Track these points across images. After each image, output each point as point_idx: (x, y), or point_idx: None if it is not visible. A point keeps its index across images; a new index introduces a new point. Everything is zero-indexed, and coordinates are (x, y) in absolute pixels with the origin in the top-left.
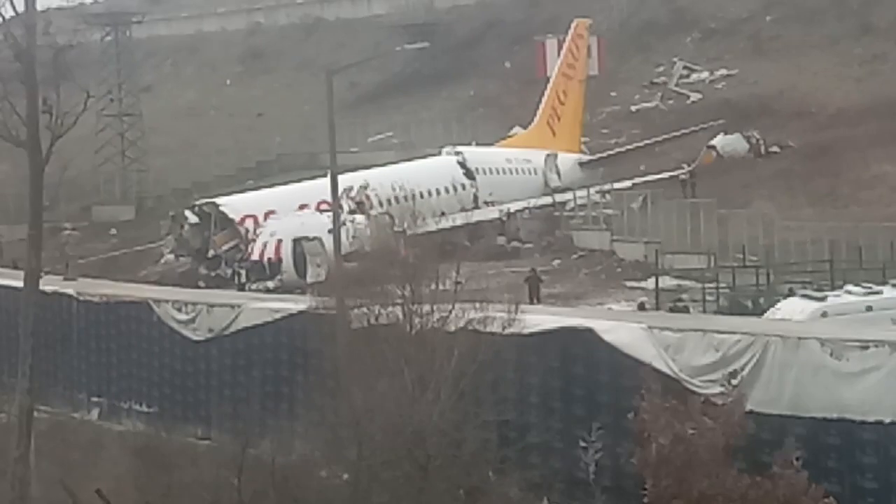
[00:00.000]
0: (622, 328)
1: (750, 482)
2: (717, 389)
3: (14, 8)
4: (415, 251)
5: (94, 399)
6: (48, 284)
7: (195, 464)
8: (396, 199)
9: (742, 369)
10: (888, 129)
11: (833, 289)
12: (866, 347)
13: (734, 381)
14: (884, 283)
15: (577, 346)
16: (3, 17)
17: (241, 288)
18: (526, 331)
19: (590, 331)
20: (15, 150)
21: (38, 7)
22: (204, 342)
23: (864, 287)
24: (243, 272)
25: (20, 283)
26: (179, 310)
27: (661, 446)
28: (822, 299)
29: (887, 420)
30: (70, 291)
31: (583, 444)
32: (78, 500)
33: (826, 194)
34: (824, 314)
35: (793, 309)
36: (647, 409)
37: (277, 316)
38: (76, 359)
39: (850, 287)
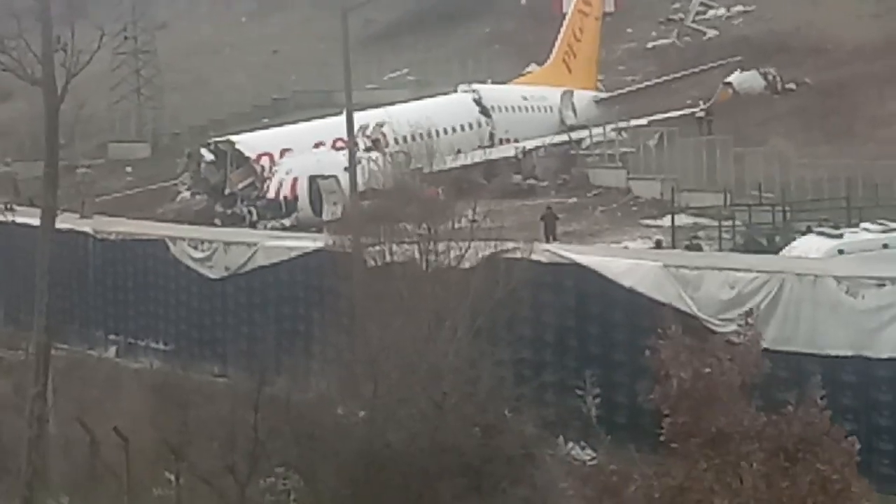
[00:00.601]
0: (639, 266)
1: (766, 420)
2: (734, 327)
3: None
4: (436, 188)
5: (112, 337)
6: (64, 222)
7: (212, 401)
8: (412, 136)
9: (758, 307)
10: None
11: (850, 226)
12: (882, 285)
13: (750, 320)
14: None
15: (592, 285)
16: None
17: (252, 226)
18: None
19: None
20: (30, 89)
21: None
22: (220, 280)
23: (880, 224)
24: (253, 210)
25: (37, 221)
26: (196, 248)
27: (682, 381)
28: (839, 237)
29: None
30: (86, 229)
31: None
32: (95, 438)
33: (843, 132)
34: (841, 252)
35: (809, 247)
36: (667, 345)
37: (293, 254)
38: (93, 296)
39: (866, 224)
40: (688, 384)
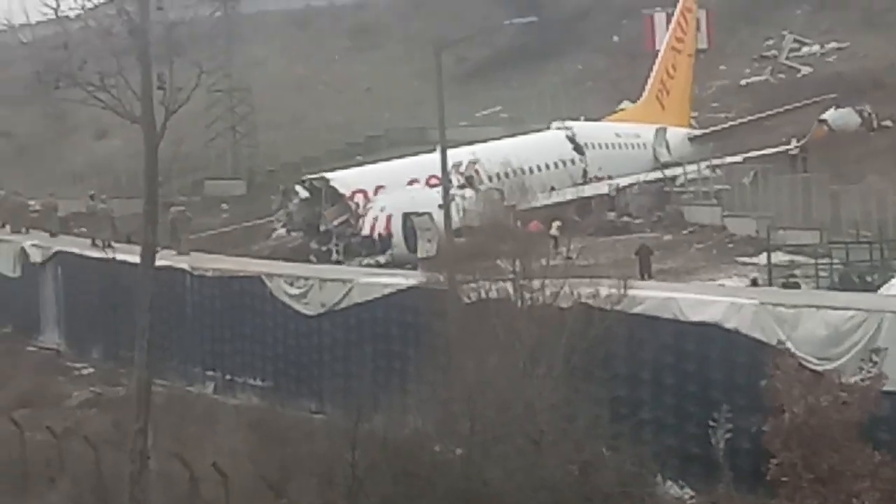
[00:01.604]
0: (735, 304)
1: (881, 460)
2: (832, 366)
3: None
4: (539, 223)
5: (209, 373)
6: (162, 259)
7: (309, 438)
8: (506, 173)
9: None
10: None
11: None
12: None
13: (875, 359)
14: None
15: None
16: None
17: (338, 263)
18: (636, 308)
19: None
20: (127, 126)
21: None
22: (316, 317)
23: None
24: (340, 248)
25: (134, 258)
26: (291, 284)
27: (794, 415)
28: None
29: None
30: (184, 266)
31: (712, 423)
32: (195, 474)
33: None
34: None
35: None
36: (781, 378)
37: (388, 291)
38: (191, 333)
39: None
40: (800, 419)
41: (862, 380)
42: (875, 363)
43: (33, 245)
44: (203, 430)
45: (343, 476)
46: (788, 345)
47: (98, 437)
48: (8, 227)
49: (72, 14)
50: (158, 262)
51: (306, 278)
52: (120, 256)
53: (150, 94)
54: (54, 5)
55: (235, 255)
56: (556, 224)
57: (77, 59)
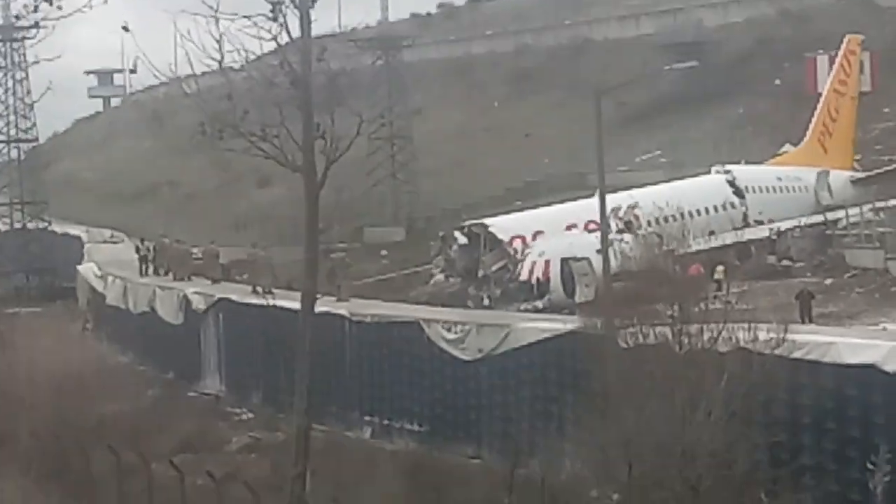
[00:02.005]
0: None
1: None
2: None
3: (290, 35)
4: (699, 266)
5: (367, 418)
6: (322, 305)
7: (466, 483)
8: (665, 218)
9: None
10: None
11: None
12: None
13: None
14: None
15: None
16: (280, 44)
17: (489, 308)
18: (795, 353)
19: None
20: (289, 174)
21: (313, 34)
22: (473, 362)
23: None
24: (493, 292)
25: (294, 305)
26: (449, 329)
27: None
28: None
29: None
30: (343, 312)
31: (870, 466)
32: None
33: None
34: None
35: None
36: None
37: (546, 336)
38: (349, 378)
39: None
40: None
41: None
42: None
43: (195, 292)
44: (360, 476)
45: None
46: None
47: (257, 483)
48: (171, 275)
49: (235, 65)
50: (318, 309)
51: (464, 324)
52: (280, 303)
53: (311, 144)
54: (218, 57)
55: (394, 301)
56: (720, 268)
57: (240, 109)
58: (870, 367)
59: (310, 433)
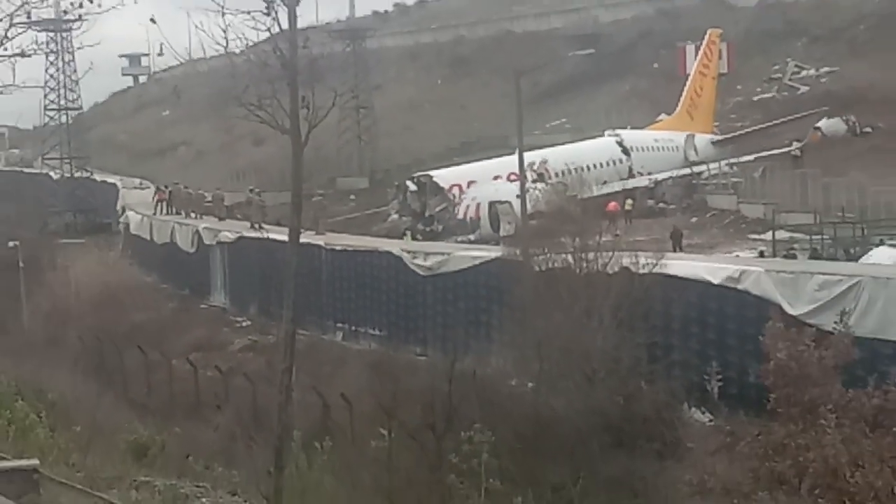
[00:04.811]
0: (746, 270)
1: (851, 396)
2: (822, 320)
3: (280, 27)
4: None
5: (339, 325)
6: (304, 238)
7: (415, 375)
8: (569, 171)
9: (851, 308)
10: None
11: None
12: None
13: (844, 318)
14: None
15: (709, 285)
16: (272, 34)
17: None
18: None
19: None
20: (279, 136)
21: (298, 26)
22: (422, 279)
23: None
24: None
25: (283, 237)
26: (408, 253)
27: (779, 360)
28: None
29: None
30: (320, 243)
31: (706, 376)
32: (327, 402)
33: None
34: None
35: (882, 255)
36: (771, 333)
37: (477, 262)
38: (324, 294)
39: None
40: (783, 363)
41: (837, 331)
42: (844, 320)
43: (206, 228)
44: (333, 370)
45: (441, 404)
46: (783, 303)
47: (254, 375)
48: (184, 214)
49: (237, 51)
50: (301, 240)
51: (415, 251)
52: (272, 236)
53: (297, 113)
54: (224, 44)
55: (359, 234)
56: (629, 201)
57: (241, 85)
58: (724, 286)
59: (295, 336)
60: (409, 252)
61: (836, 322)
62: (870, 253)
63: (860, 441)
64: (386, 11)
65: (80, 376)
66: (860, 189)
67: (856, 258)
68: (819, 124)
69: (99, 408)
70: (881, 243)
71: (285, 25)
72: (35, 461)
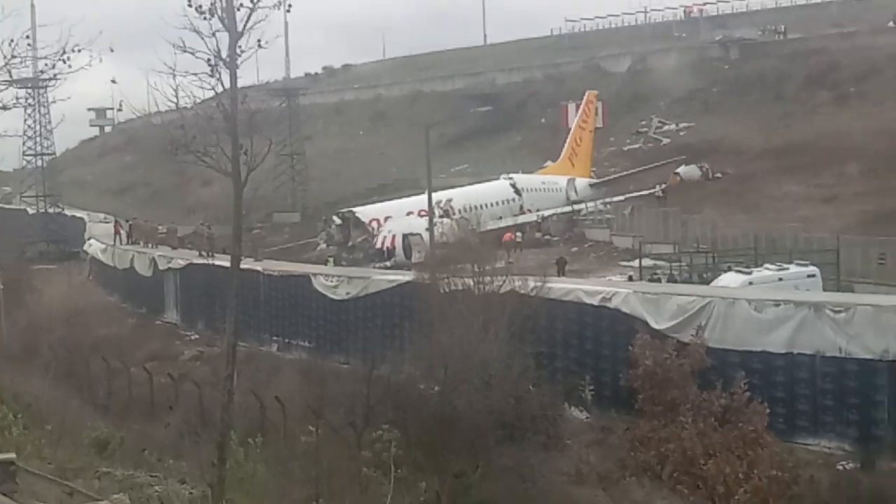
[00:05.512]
0: (618, 292)
1: (704, 396)
2: (680, 333)
3: (223, 86)
4: (513, 235)
5: (274, 338)
6: (244, 264)
7: (339, 380)
8: (470, 208)
9: (704, 323)
10: (792, 163)
11: (756, 266)
12: (778, 304)
13: (699, 331)
14: (790, 263)
15: (587, 305)
16: (217, 92)
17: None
18: (551, 294)
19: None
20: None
21: (239, 85)
22: (344, 301)
23: (776, 265)
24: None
25: (226, 263)
26: (328, 280)
27: (646, 366)
28: (749, 273)
29: (794, 352)
30: (258, 268)
31: (581, 386)
32: (263, 403)
33: (752, 205)
34: (750, 283)
35: (729, 280)
36: (639, 344)
37: (393, 284)
38: (262, 311)
39: (767, 265)
40: (650, 370)
41: (693, 342)
42: (698, 333)
43: (160, 255)
44: (269, 376)
45: (361, 405)
46: (648, 319)
47: (201, 380)
48: (141, 244)
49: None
50: (242, 266)
51: (338, 276)
52: (217, 262)
53: (238, 158)
54: (175, 100)
55: (292, 262)
56: (519, 234)
57: (190, 135)
58: (598, 305)
59: (236, 348)
60: (328, 281)
61: (692, 335)
62: (719, 277)
63: (711, 434)
64: (316, 73)
65: (51, 382)
66: (712, 224)
67: (707, 282)
68: (678, 170)
69: (67, 409)
70: (728, 269)
71: (228, 85)
72: (12, 455)
